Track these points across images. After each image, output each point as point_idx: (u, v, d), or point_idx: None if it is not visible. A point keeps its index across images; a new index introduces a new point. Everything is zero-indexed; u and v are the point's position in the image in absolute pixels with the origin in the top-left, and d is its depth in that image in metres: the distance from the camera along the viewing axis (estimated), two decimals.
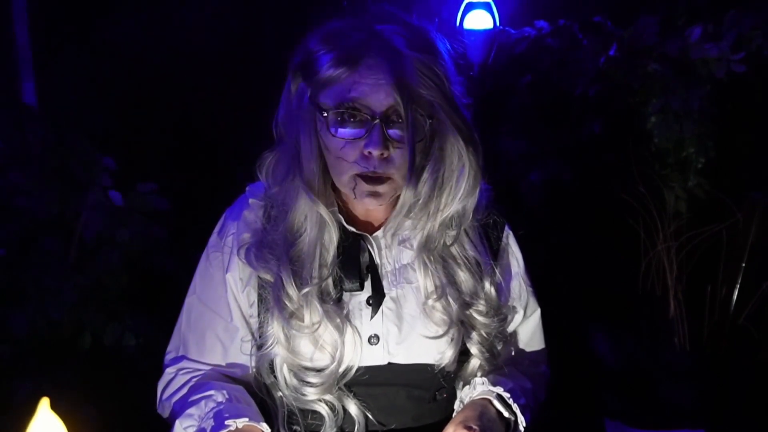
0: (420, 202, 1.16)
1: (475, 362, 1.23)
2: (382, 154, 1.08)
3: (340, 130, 1.09)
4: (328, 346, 1.15)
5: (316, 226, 1.15)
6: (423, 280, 1.18)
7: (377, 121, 1.06)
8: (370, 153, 1.08)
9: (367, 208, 1.18)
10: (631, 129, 2.58)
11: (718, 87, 2.55)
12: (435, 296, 1.17)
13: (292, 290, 1.13)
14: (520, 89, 2.96)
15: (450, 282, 1.18)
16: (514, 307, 1.28)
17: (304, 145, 1.13)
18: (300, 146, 1.14)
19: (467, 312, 1.19)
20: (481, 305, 1.20)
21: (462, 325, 1.19)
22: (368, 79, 1.05)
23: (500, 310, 1.23)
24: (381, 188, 1.12)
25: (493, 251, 1.25)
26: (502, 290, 1.25)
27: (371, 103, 1.06)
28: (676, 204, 2.51)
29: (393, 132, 1.08)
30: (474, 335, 1.20)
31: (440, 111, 1.09)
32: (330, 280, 1.16)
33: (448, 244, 1.19)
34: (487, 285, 1.21)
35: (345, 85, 1.06)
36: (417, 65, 1.06)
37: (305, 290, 1.13)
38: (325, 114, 1.09)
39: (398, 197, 1.16)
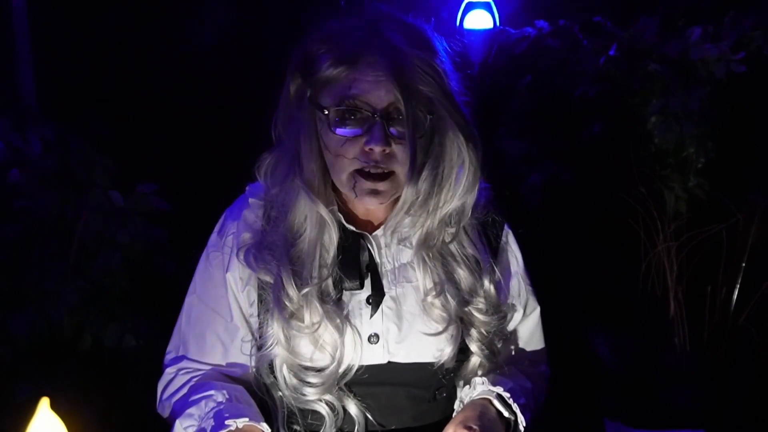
0: (420, 198, 1.16)
1: (475, 360, 1.23)
2: (384, 150, 1.08)
3: (341, 128, 1.09)
4: (328, 347, 1.15)
5: (317, 227, 1.15)
6: (422, 277, 1.18)
7: (378, 118, 1.06)
8: (371, 149, 1.08)
9: (367, 207, 1.18)
10: (631, 129, 2.58)
11: (718, 87, 2.55)
12: (434, 293, 1.18)
13: (292, 290, 1.13)
14: (520, 89, 2.96)
15: (449, 279, 1.18)
16: (513, 305, 1.28)
17: (303, 145, 1.13)
18: (300, 147, 1.14)
19: (466, 309, 1.19)
20: (480, 303, 1.20)
21: (461, 323, 1.19)
22: (368, 76, 1.06)
23: (500, 308, 1.23)
24: (381, 185, 1.12)
25: (493, 249, 1.25)
26: (502, 288, 1.25)
27: (372, 100, 1.07)
28: (676, 204, 2.51)
29: (394, 128, 1.08)
30: (474, 333, 1.20)
31: (440, 107, 1.10)
32: (330, 280, 1.16)
33: (446, 241, 1.19)
34: (486, 283, 1.21)
35: (345, 83, 1.07)
36: (416, 62, 1.06)
37: (305, 290, 1.13)
38: (326, 112, 1.09)
39: (398, 196, 1.16)
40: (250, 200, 1.23)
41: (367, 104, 1.07)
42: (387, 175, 1.11)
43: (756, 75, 2.52)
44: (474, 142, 1.14)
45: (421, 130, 1.10)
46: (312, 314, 1.14)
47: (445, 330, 1.17)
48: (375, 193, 1.12)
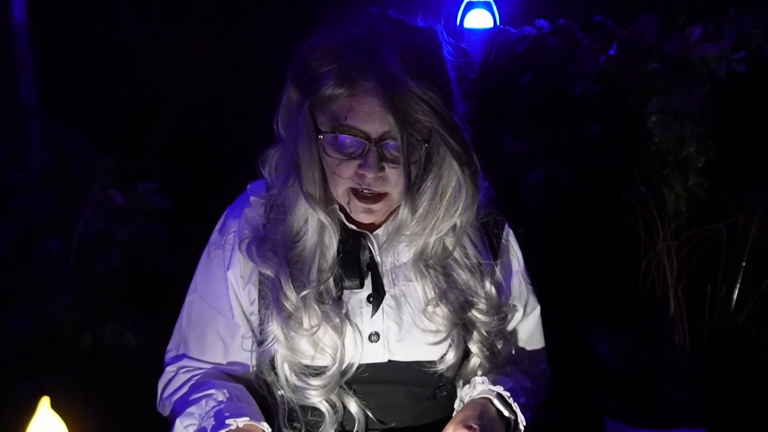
0: (417, 215, 1.16)
1: (475, 361, 1.23)
2: (376, 175, 1.08)
3: (336, 152, 1.09)
4: (328, 348, 1.15)
5: (317, 230, 1.15)
6: (421, 289, 1.19)
7: (372, 145, 1.06)
8: (364, 174, 1.09)
9: (362, 222, 1.18)
10: (632, 128, 2.58)
11: (719, 86, 2.55)
12: (434, 302, 1.18)
13: (290, 292, 1.14)
14: (520, 88, 2.96)
15: (450, 285, 1.18)
16: (514, 306, 1.28)
17: (302, 153, 1.13)
18: (298, 154, 1.13)
19: (468, 312, 1.19)
20: (482, 304, 1.20)
21: (462, 326, 1.19)
22: (364, 105, 1.05)
23: (500, 309, 1.23)
24: (375, 206, 1.12)
25: (494, 250, 1.25)
26: (503, 289, 1.25)
27: (366, 129, 1.06)
28: (676, 203, 2.51)
29: (388, 153, 1.08)
30: (474, 334, 1.20)
31: (436, 135, 1.09)
32: (330, 281, 1.16)
33: (449, 249, 1.19)
34: (487, 284, 1.21)
35: (341, 108, 1.06)
36: (414, 91, 1.04)
37: (303, 293, 1.13)
38: (321, 137, 1.09)
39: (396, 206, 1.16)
40: (252, 198, 1.23)
41: (361, 131, 1.06)
42: (381, 197, 1.12)
43: (756, 74, 2.52)
44: (472, 168, 1.13)
45: (416, 156, 1.10)
46: (310, 317, 1.14)
47: (447, 336, 1.17)
48: (369, 211, 1.13)
